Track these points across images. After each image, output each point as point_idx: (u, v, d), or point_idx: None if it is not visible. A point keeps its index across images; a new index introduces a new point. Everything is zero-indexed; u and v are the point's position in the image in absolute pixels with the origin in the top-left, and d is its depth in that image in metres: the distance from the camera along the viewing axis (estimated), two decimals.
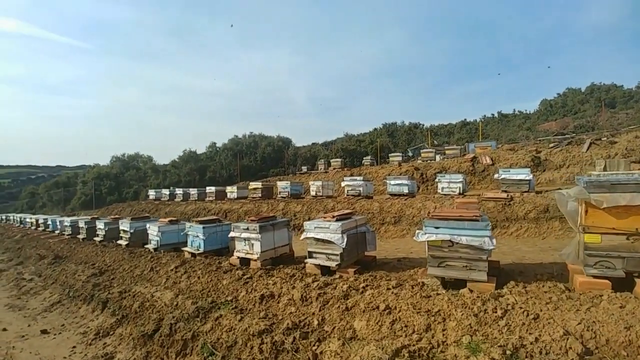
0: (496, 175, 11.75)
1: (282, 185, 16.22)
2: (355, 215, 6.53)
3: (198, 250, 8.07)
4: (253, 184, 17.69)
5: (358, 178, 13.73)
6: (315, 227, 5.94)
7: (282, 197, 16.11)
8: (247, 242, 6.83)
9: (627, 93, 36.73)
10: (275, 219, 7.21)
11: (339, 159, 25.19)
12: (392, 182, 12.85)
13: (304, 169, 26.66)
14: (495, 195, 10.47)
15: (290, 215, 13.38)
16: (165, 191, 24.45)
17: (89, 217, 14.45)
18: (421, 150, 22.96)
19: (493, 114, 52.99)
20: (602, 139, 17.40)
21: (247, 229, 6.78)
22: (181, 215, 18.30)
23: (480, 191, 14.98)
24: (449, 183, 11.96)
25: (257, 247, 6.64)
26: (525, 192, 10.91)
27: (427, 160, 21.80)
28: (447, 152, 21.51)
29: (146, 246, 9.63)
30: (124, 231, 10.79)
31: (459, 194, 11.81)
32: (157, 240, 9.20)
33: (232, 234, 7.09)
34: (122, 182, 35.46)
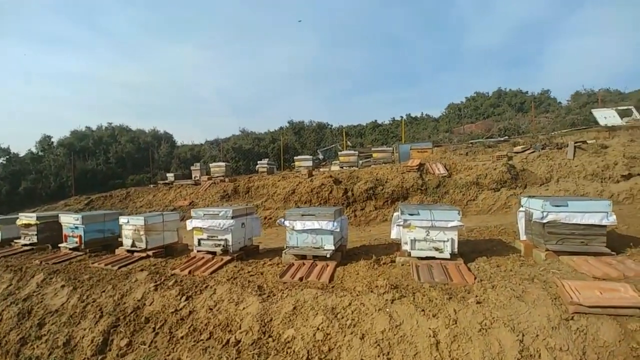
0: (537, 214, 5.25)
1: (69, 224, 7.59)
2: None
3: None
4: (24, 218, 8.59)
5: (221, 212, 5.99)
6: None
7: (69, 248, 7.55)
8: None
9: (537, 99, 36.03)
10: None
11: (222, 164, 17.02)
12: (299, 225, 5.47)
13: (170, 177, 17.73)
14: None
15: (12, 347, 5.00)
16: None
17: None
18: (339, 153, 16.20)
19: (402, 116, 50.39)
20: (588, 142, 12.76)
21: None
22: None
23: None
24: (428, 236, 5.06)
25: None
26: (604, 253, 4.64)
27: (347, 167, 15.14)
28: (375, 155, 15.13)
29: None
30: None
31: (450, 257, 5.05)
32: None
33: None
34: None
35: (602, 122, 22.62)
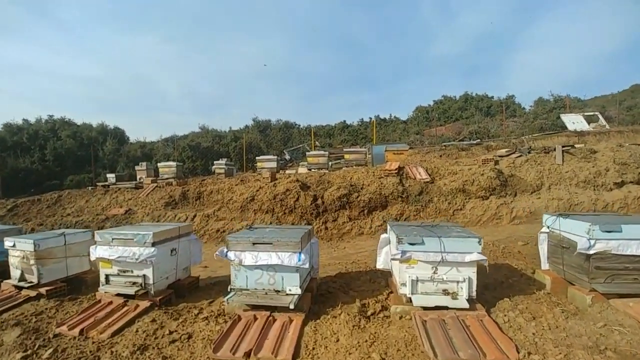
0: (582, 243, 3.83)
1: None
2: None
3: None
4: None
5: (137, 236, 4.11)
6: None
7: None
8: None
9: (503, 103, 36.13)
10: None
11: (172, 164, 14.83)
12: (249, 259, 3.75)
13: (111, 178, 15.24)
14: None
15: None
16: None
17: None
18: (307, 153, 14.55)
19: (371, 118, 49.57)
20: (575, 146, 11.91)
21: None
22: None
23: None
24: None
25: None
26: None
27: (316, 169, 13.53)
28: (346, 156, 13.62)
29: None
30: None
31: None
32: None
33: None
34: None
35: (570, 127, 22.62)
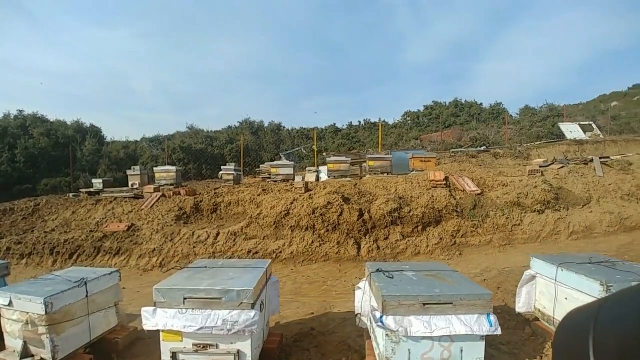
0: None
1: None
2: None
3: None
4: None
5: (227, 295, 2.72)
6: None
7: None
8: None
9: (494, 110, 36.11)
10: None
11: (172, 168, 13.08)
12: (419, 327, 2.52)
13: (97, 183, 13.19)
14: None
15: None
16: None
17: None
18: (327, 160, 13.19)
19: (360, 122, 48.70)
20: (611, 157, 11.30)
21: None
22: None
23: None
24: None
25: None
26: None
27: (336, 176, 12.22)
28: (370, 163, 12.42)
29: None
30: None
31: None
32: None
33: None
34: None
35: (568, 135, 22.68)
